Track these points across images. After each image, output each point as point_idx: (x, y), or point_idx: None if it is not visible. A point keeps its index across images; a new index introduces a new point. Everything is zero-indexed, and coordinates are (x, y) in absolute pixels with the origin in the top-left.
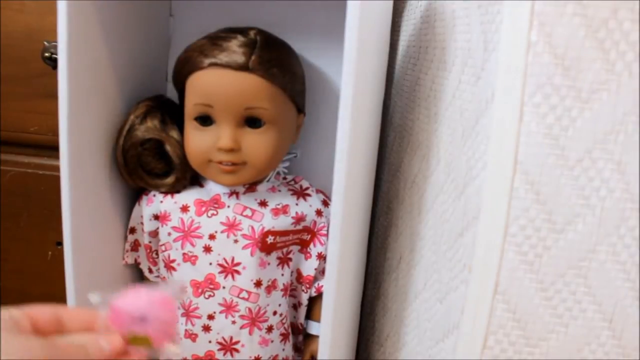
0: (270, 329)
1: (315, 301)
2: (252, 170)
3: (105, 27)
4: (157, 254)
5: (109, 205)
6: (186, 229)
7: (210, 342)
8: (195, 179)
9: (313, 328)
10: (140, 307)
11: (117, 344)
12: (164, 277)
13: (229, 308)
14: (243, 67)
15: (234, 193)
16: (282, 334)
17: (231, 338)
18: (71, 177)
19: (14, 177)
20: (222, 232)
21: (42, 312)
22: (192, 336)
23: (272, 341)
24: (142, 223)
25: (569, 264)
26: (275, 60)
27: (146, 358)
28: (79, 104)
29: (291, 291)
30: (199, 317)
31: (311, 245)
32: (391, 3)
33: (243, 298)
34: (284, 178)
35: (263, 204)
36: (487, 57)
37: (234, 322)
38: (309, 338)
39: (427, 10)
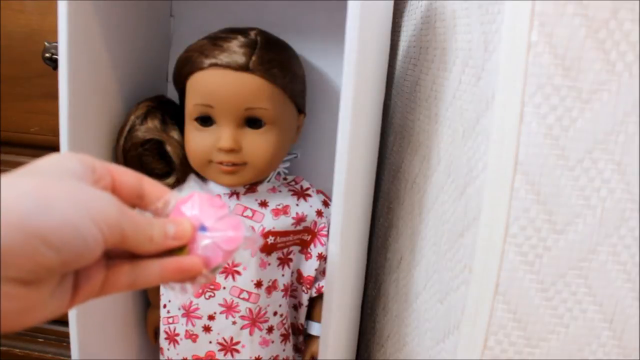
0: (270, 330)
1: (315, 302)
2: (253, 170)
3: (105, 27)
4: None
5: None
6: None
7: (210, 342)
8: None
9: (314, 329)
10: (207, 221)
11: (184, 232)
12: None
13: (229, 308)
14: (243, 68)
15: (234, 194)
16: (282, 335)
17: (232, 338)
18: None
19: None
20: None
21: (128, 176)
22: (192, 337)
23: (272, 342)
24: None
25: (569, 265)
26: (275, 60)
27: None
28: (79, 105)
29: (292, 292)
30: (199, 318)
31: (311, 246)
32: (392, 3)
33: (243, 298)
34: (285, 178)
35: (263, 204)
36: (488, 57)
37: (234, 323)
38: (310, 339)
39: (427, 11)
